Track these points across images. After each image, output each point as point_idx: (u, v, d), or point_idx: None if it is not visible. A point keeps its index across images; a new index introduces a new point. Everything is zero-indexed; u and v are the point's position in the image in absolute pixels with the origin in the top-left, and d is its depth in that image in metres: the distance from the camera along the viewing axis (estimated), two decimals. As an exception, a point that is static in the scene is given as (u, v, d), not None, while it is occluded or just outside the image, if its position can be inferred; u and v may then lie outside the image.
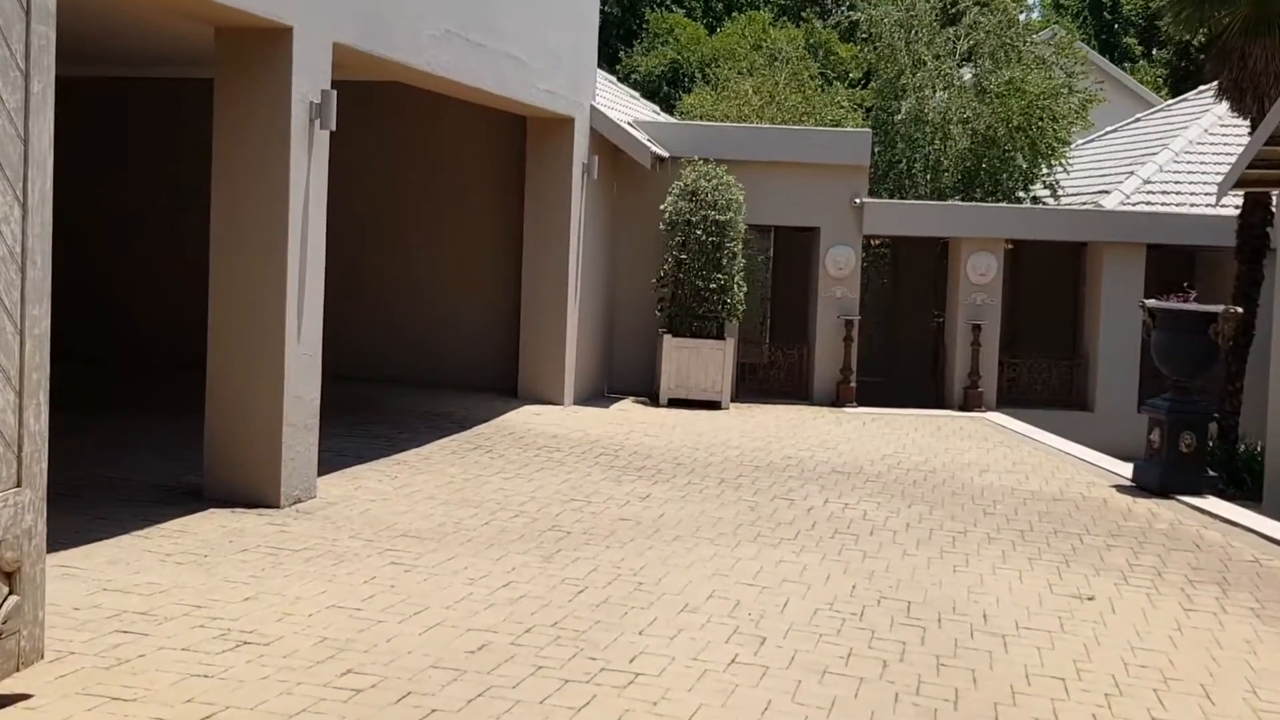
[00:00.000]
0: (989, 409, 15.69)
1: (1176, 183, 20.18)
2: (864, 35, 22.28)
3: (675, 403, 14.38)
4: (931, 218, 16.22)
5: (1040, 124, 19.24)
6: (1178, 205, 19.35)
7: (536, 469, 9.86)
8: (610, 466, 10.20)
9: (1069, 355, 17.34)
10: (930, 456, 11.67)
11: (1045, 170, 19.90)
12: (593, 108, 13.65)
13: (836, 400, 15.41)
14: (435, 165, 14.27)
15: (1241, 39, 13.25)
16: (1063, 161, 20.12)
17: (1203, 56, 38.37)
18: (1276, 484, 11.43)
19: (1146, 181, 20.12)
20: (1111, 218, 16.86)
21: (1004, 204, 19.41)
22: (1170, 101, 26.25)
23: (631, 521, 8.18)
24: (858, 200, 15.41)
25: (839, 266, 15.51)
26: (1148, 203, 19.38)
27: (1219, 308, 10.01)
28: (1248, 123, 13.51)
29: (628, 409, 13.96)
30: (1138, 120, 25.77)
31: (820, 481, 10.06)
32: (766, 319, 20.31)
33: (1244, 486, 13.40)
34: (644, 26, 37.64)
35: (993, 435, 13.37)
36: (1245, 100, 13.50)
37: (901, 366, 18.95)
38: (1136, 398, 16.46)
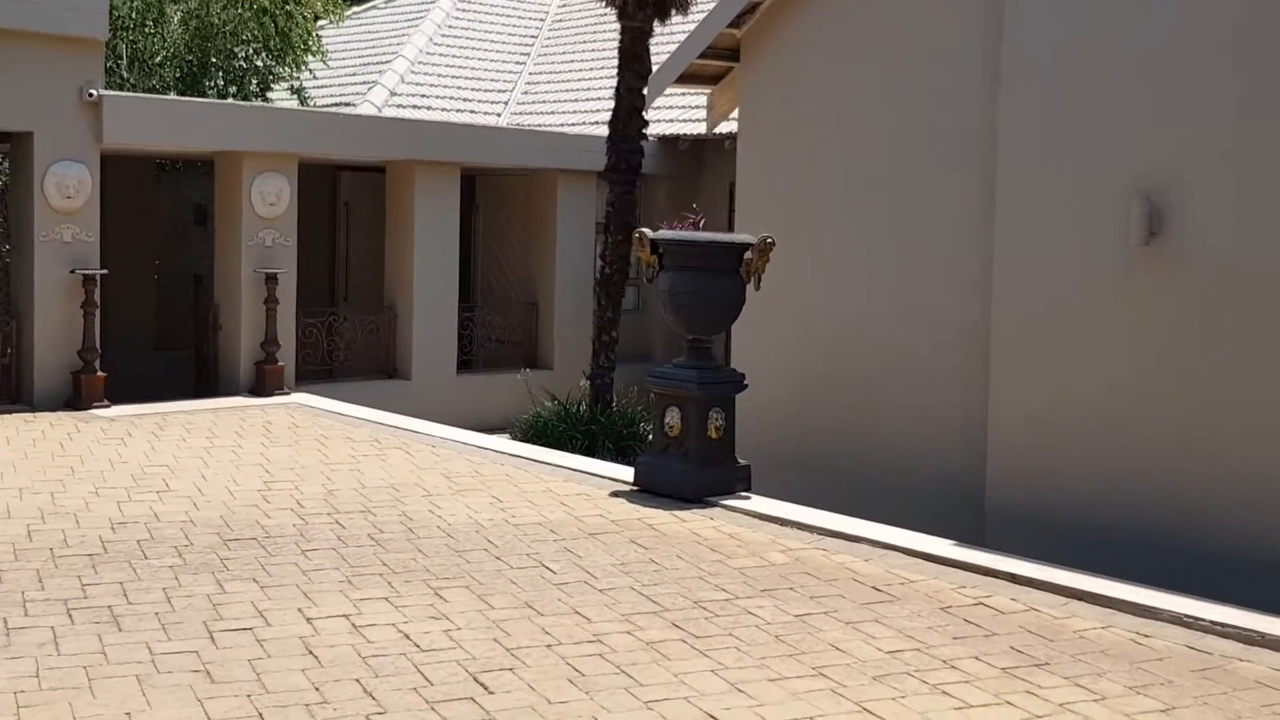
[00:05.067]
0: (290, 389, 11.96)
1: (424, 95, 17.88)
2: None
3: None
4: (208, 122, 11.71)
5: (287, 9, 15.43)
6: (435, 118, 17.04)
7: None
8: None
9: (363, 310, 14.15)
10: (331, 485, 7.90)
11: (292, 72, 16.21)
12: None
13: (76, 400, 10.56)
14: None
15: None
16: (311, 61, 16.62)
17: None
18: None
19: (393, 94, 17.51)
20: (439, 131, 13.94)
21: (303, 108, 15.54)
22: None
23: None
24: (93, 93, 10.53)
25: (67, 194, 10.55)
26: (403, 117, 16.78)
27: (749, 237, 7.65)
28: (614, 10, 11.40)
29: None
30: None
31: (238, 565, 5.91)
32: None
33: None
34: None
35: (355, 433, 9.81)
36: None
37: (118, 339, 14.19)
38: (456, 360, 13.93)
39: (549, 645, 4.96)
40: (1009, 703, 4.54)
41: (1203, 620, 5.44)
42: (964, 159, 7.99)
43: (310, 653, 4.77)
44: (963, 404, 7.98)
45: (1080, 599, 5.83)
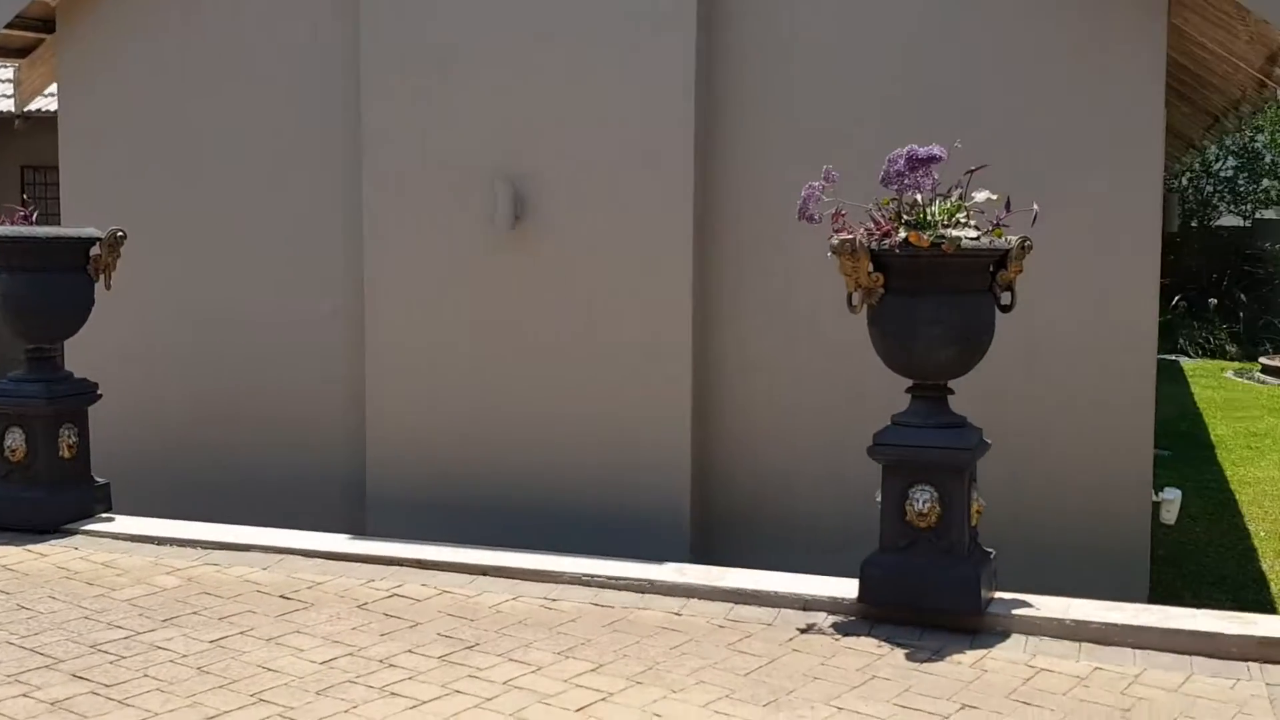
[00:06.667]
0: None
1: None
2: None
3: None
4: None
5: None
6: None
7: None
8: None
9: None
10: None
11: None
12: None
13: None
14: None
15: None
16: None
17: None
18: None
19: None
20: None
21: None
22: None
23: None
24: None
25: None
26: None
27: (95, 231, 7.02)
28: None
29: None
30: None
31: None
32: None
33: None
34: None
35: None
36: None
37: None
38: None
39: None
40: (458, 691, 4.64)
41: (599, 576, 5.92)
42: (332, 138, 7.83)
43: None
44: (342, 392, 7.92)
45: (486, 574, 6.10)
